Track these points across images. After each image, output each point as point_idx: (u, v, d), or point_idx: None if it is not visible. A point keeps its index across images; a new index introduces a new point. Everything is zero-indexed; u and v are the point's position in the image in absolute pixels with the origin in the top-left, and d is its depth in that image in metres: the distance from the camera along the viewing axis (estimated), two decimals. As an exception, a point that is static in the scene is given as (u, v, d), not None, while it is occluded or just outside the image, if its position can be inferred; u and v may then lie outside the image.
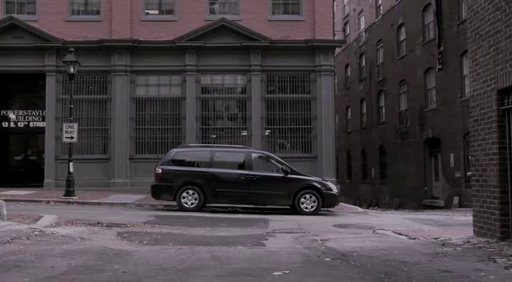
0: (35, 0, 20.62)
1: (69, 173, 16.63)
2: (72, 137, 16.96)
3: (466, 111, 17.62)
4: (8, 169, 22.62)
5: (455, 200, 21.82)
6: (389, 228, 9.78)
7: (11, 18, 20.13)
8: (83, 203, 15.57)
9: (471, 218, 7.99)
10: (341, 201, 17.87)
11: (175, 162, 14.92)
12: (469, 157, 12.52)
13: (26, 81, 22.11)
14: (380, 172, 30.20)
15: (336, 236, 8.47)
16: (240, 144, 18.13)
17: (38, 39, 20.13)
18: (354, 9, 35.55)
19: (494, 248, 6.32)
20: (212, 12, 20.99)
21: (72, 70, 17.08)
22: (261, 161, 15.48)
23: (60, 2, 20.45)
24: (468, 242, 7.08)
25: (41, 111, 21.42)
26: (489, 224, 7.16)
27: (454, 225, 11.14)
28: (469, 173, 21.04)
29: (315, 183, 14.68)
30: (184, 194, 14.38)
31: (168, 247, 6.98)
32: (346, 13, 37.24)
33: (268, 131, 20.54)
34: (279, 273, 5.00)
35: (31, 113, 22.09)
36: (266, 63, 20.32)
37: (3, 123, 22.14)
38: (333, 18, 21.80)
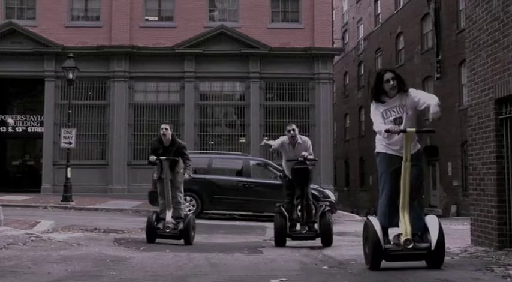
0: (35, 6, 20.69)
1: (67, 178, 16.61)
2: (70, 143, 16.95)
3: (464, 120, 17.67)
4: (5, 174, 22.59)
5: (453, 208, 21.83)
6: (387, 236, 9.75)
7: (10, 23, 20.18)
8: (80, 209, 15.54)
9: (469, 226, 7.99)
10: (339, 209, 17.89)
11: (173, 168, 14.89)
12: (467, 166, 12.23)
13: (25, 86, 22.13)
14: (378, 180, 30.18)
15: (333, 244, 8.44)
16: (238, 151, 18.14)
17: (38, 44, 20.17)
18: (353, 18, 35.69)
19: (491, 257, 6.32)
20: (212, 19, 21.07)
21: (71, 76, 17.10)
22: (259, 168, 15.49)
23: (60, 7, 20.51)
24: (466, 250, 7.07)
25: (39, 116, 21.42)
26: (487, 233, 7.15)
27: (452, 234, 11.12)
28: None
29: (313, 191, 14.61)
30: (182, 201, 14.34)
31: (165, 254, 6.96)
32: (345, 21, 37.38)
33: (266, 138, 20.51)
34: (276, 280, 4.98)
35: (29, 118, 22.08)
36: (265, 70, 20.37)
37: (1, 128, 22.12)
38: (332, 27, 21.91)
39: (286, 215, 8.02)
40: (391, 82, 5.45)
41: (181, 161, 8.62)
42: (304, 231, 8.00)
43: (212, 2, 21.27)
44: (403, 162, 5.20)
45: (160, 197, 8.51)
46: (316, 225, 8.09)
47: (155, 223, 8.22)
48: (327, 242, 8.06)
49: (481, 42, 7.41)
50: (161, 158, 8.25)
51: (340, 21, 37.34)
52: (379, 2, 31.48)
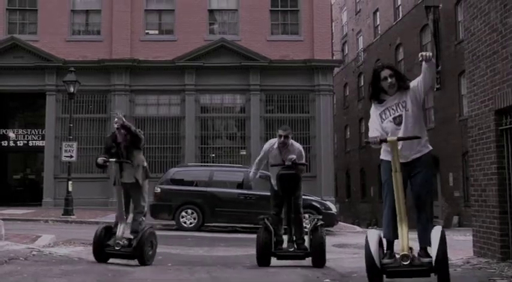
0: (36, 21, 20.84)
1: (68, 192, 16.60)
2: (71, 156, 16.96)
3: (464, 131, 17.68)
4: (6, 188, 22.59)
5: (455, 219, 21.76)
6: (389, 248, 9.68)
7: (12, 38, 20.32)
8: (82, 222, 15.49)
9: (471, 237, 7.96)
10: (340, 221, 17.83)
11: (174, 181, 14.92)
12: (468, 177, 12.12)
13: (26, 101, 22.22)
14: (379, 191, 30.13)
15: (335, 256, 8.41)
16: (239, 164, 18.13)
17: (39, 58, 20.28)
18: (353, 29, 35.86)
19: (494, 269, 6.29)
20: (212, 32, 21.18)
21: (72, 89, 17.16)
22: (260, 180, 15.44)
23: (61, 22, 20.66)
24: (468, 262, 7.04)
25: (40, 130, 21.47)
26: (489, 244, 7.13)
27: (454, 245, 11.06)
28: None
29: (314, 203, 14.64)
30: (183, 214, 14.35)
31: (167, 267, 6.93)
32: (344, 33, 37.56)
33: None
34: (278, 294, 4.95)
35: (31, 132, 22.14)
36: (265, 82, 20.43)
37: (2, 142, 22.16)
38: (332, 39, 22.01)
39: (272, 229, 6.97)
40: (389, 80, 4.99)
41: (140, 155, 7.15)
42: (291, 250, 6.93)
43: (212, 15, 21.41)
44: (392, 173, 4.73)
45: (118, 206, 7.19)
46: (306, 243, 7.02)
47: (105, 239, 6.92)
48: (319, 262, 6.88)
49: (480, 54, 7.45)
50: (111, 160, 6.98)
51: (340, 33, 37.52)
52: (378, 13, 31.66)
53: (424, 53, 4.78)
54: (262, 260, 6.97)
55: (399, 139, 4.79)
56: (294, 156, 7.08)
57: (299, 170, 7.15)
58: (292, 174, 7.02)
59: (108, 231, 7.00)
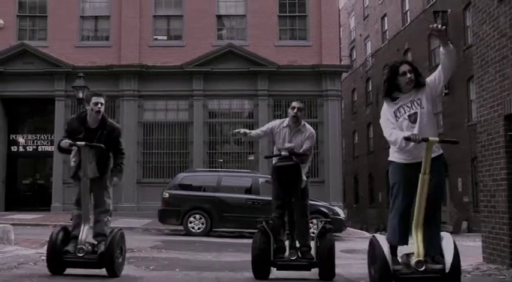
0: (46, 27, 21.02)
1: (77, 197, 16.63)
2: (80, 161, 17.02)
3: (473, 136, 17.60)
4: (16, 193, 22.70)
5: (464, 224, 21.62)
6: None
7: (22, 44, 20.52)
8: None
9: (480, 243, 7.92)
10: (348, 226, 17.76)
11: (182, 186, 14.96)
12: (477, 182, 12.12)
13: (36, 106, 22.36)
14: (387, 196, 29.99)
15: (343, 262, 8.38)
16: (247, 169, 18.14)
17: (48, 64, 20.44)
18: (360, 35, 35.86)
19: (504, 275, 6.25)
20: (220, 37, 21.25)
21: (81, 95, 17.25)
22: (268, 185, 15.45)
23: (71, 28, 20.82)
24: (477, 268, 6.99)
25: (49, 135, 21.59)
26: (498, 250, 7.09)
27: (463, 251, 10.99)
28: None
29: (322, 208, 14.63)
30: (191, 219, 14.38)
31: (175, 273, 6.94)
32: (352, 38, 37.57)
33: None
34: (287, 300, 4.94)
35: (40, 137, 22.25)
36: (273, 88, 20.44)
37: (12, 147, 22.30)
38: (340, 44, 21.99)
39: (271, 234, 5.93)
40: (408, 75, 4.74)
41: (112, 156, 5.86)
42: (294, 258, 5.84)
43: (220, 20, 21.49)
44: (420, 175, 4.49)
45: (77, 205, 5.94)
46: (312, 251, 5.99)
47: (62, 244, 5.67)
48: (327, 273, 5.83)
49: (489, 59, 7.43)
50: (78, 143, 5.71)
51: (348, 38, 37.52)
52: (386, 18, 31.65)
53: (434, 25, 4.59)
54: (259, 271, 5.97)
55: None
56: (291, 145, 5.99)
57: (301, 160, 6.01)
58: (291, 166, 5.85)
59: (67, 234, 5.77)
